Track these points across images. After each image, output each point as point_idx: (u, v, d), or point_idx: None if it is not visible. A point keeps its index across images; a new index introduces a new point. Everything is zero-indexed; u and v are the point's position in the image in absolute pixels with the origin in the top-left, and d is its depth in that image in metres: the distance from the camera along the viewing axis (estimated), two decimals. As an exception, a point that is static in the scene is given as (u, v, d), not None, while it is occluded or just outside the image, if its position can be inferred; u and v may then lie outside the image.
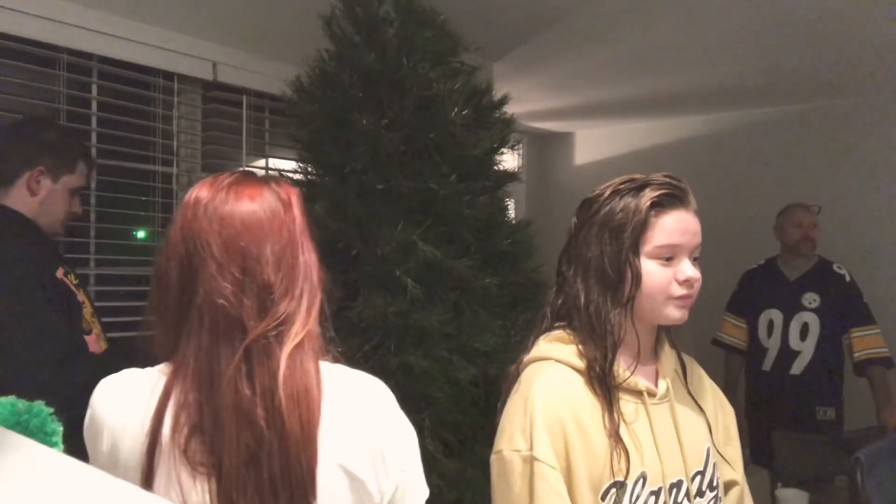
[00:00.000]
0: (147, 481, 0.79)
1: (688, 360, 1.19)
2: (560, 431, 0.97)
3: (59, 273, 1.55)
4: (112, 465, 0.82)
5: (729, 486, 1.17)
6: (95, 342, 1.60)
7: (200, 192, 0.86)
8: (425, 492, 0.91)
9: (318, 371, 0.85)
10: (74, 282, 1.60)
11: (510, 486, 0.97)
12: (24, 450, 0.52)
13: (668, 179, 1.04)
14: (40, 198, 1.54)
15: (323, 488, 0.81)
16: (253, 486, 0.78)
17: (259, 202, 0.85)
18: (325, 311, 0.89)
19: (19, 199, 1.52)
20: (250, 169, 2.43)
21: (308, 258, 0.88)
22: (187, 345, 0.81)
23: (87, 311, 1.61)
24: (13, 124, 1.68)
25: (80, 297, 1.59)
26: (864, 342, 2.75)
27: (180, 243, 0.84)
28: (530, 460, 0.95)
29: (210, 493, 0.78)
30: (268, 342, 0.81)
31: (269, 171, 2.49)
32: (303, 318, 0.85)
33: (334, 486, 0.82)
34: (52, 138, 1.59)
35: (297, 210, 0.89)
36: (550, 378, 1.02)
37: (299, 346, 0.83)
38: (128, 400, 0.83)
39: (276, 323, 0.82)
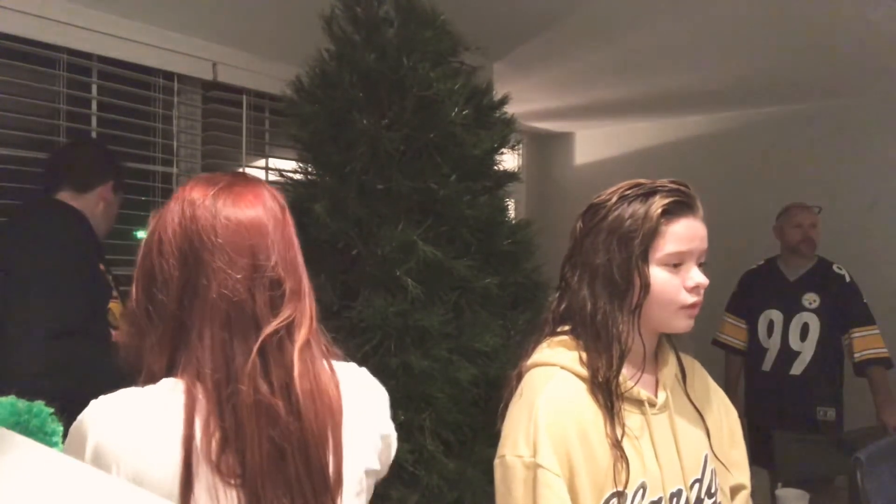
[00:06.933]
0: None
1: (688, 362, 1.18)
2: (564, 440, 0.96)
3: (101, 267, 1.73)
4: None
5: (736, 490, 1.16)
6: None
7: (194, 192, 0.85)
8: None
9: (332, 369, 0.87)
10: (112, 283, 1.76)
11: (511, 492, 0.97)
12: (24, 450, 0.52)
13: (677, 186, 1.04)
14: (106, 206, 1.84)
15: (349, 487, 0.85)
16: (281, 484, 0.78)
17: (263, 202, 0.87)
18: (318, 315, 0.91)
19: (92, 204, 1.78)
20: (239, 172, 2.43)
21: (302, 262, 0.90)
22: (199, 344, 0.79)
23: (118, 308, 1.73)
24: (90, 145, 2.00)
25: (114, 294, 1.75)
26: (864, 342, 2.74)
27: (181, 238, 0.82)
28: (534, 467, 0.95)
29: (240, 500, 0.77)
30: (280, 338, 0.82)
31: (269, 172, 2.49)
32: (308, 318, 0.86)
33: (359, 484, 0.88)
34: (116, 160, 1.94)
35: (288, 214, 0.91)
36: (556, 385, 1.01)
37: (307, 343, 0.85)
38: (143, 426, 0.76)
39: (286, 320, 0.83)
